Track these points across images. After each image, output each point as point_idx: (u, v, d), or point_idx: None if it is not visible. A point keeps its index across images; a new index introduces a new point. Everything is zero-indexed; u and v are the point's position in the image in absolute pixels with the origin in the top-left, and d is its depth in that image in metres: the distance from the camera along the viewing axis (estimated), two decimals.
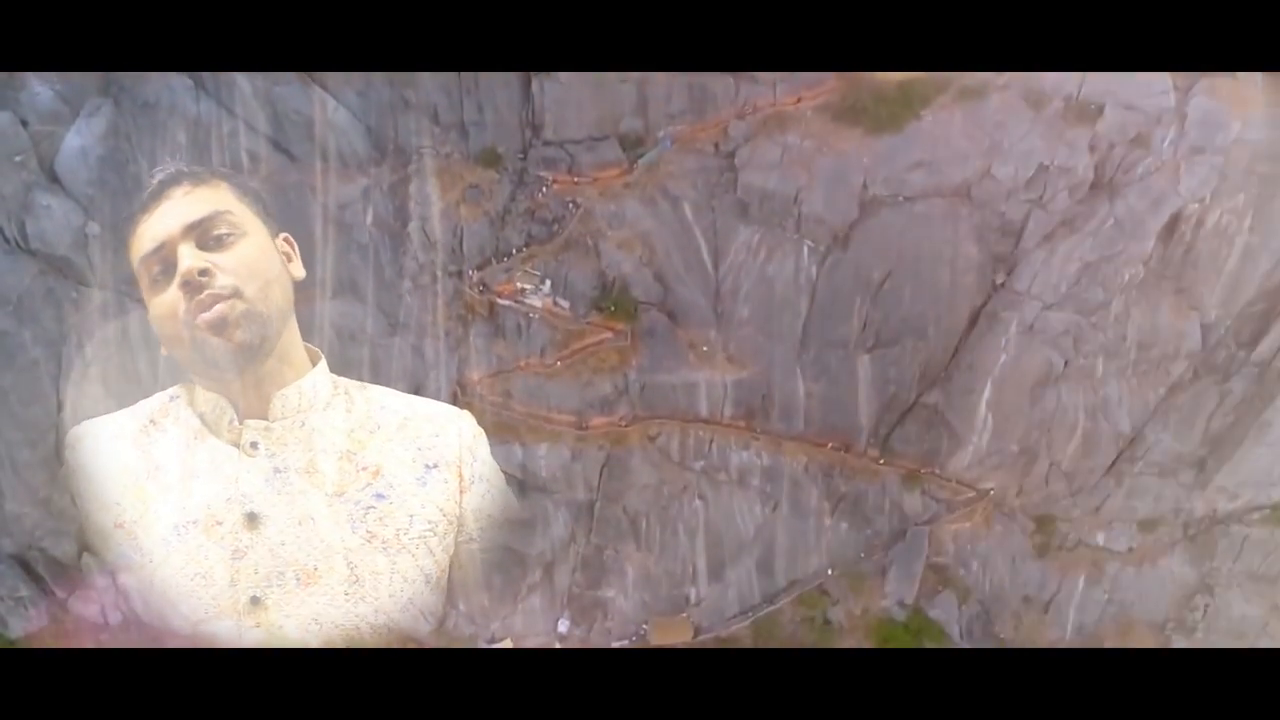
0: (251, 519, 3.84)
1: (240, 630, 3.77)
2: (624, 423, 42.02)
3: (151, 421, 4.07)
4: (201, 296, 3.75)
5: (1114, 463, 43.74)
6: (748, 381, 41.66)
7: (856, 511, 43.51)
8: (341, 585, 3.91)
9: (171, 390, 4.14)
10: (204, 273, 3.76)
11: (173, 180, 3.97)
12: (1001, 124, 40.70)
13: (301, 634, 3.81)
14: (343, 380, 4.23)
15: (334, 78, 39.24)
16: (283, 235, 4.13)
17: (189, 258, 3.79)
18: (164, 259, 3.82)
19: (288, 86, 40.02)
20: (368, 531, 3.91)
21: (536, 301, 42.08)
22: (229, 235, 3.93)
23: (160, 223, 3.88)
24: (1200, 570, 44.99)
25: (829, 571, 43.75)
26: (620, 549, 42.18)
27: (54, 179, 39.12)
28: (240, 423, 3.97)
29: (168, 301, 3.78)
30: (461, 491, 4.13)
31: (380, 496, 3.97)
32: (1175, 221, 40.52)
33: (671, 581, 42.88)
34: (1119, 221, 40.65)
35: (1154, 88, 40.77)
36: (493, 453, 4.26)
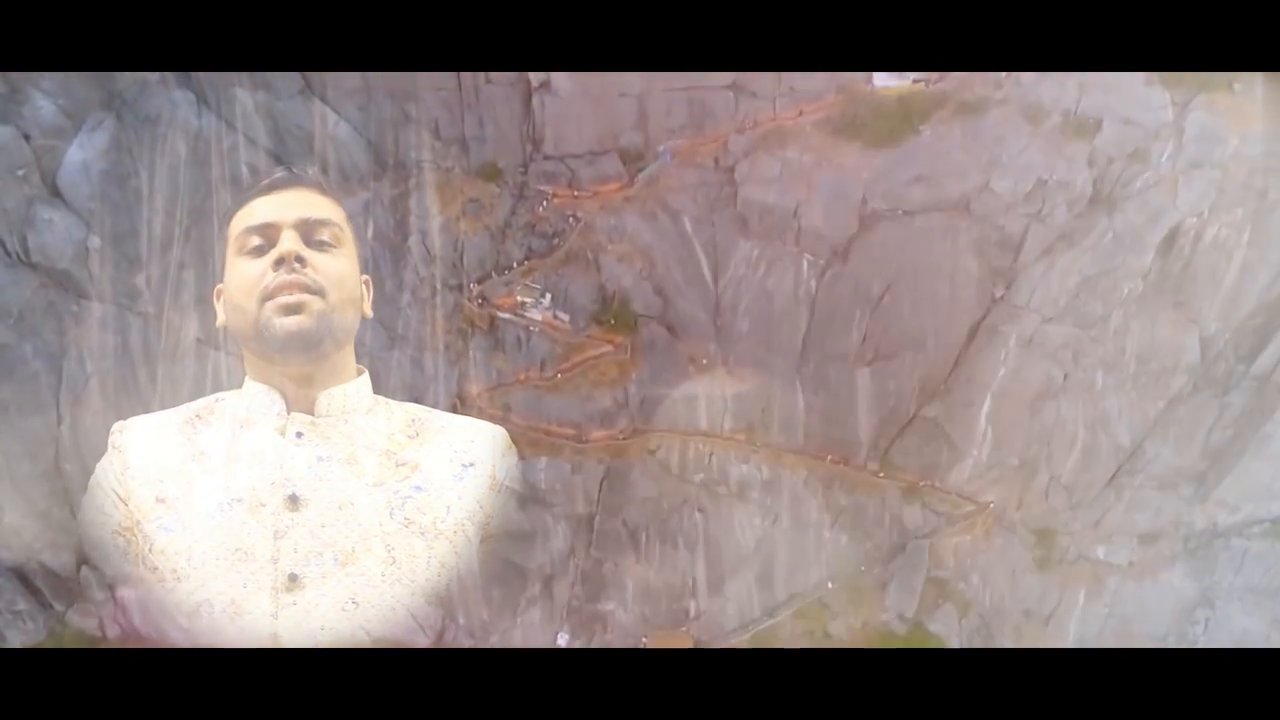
0: (293, 500, 3.96)
1: (277, 606, 3.85)
2: (623, 436, 42.02)
3: (197, 416, 4.23)
4: (290, 278, 3.91)
5: (1114, 476, 43.78)
6: (747, 394, 41.67)
7: (856, 525, 43.40)
8: (379, 567, 3.97)
9: (218, 394, 4.28)
10: (301, 260, 3.94)
11: (301, 180, 4.22)
12: (1000, 138, 40.87)
13: (337, 614, 3.91)
14: (383, 397, 4.40)
15: (335, 91, 39.47)
16: (365, 277, 4.32)
17: (291, 242, 3.99)
18: (267, 235, 4.03)
19: (289, 101, 40.25)
20: (405, 518, 4.06)
21: (536, 315, 42.15)
22: (331, 245, 4.14)
23: (277, 206, 4.12)
24: (1201, 584, 44.88)
25: (829, 585, 43.63)
26: (620, 562, 42.01)
27: (56, 193, 39.27)
28: (287, 414, 4.09)
29: (254, 271, 3.97)
30: (492, 489, 4.26)
31: (419, 488, 4.13)
32: (1174, 235, 40.64)
33: (671, 595, 42.69)
34: (1118, 235, 40.76)
35: (1152, 102, 41.00)
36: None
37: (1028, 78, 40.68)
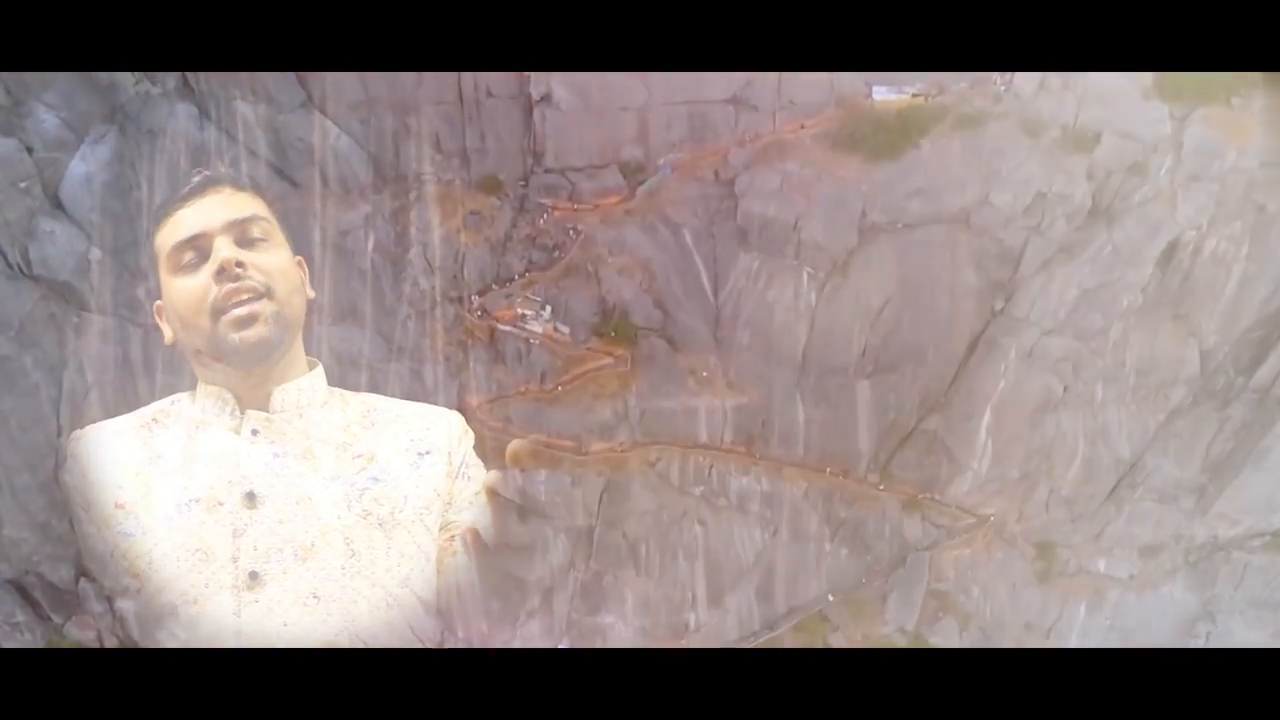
0: (251, 498, 3.98)
1: (240, 605, 3.87)
2: (623, 448, 41.81)
3: (154, 420, 4.26)
4: (235, 286, 3.94)
5: (1114, 489, 43.55)
6: (747, 407, 41.58)
7: (857, 537, 43.26)
8: (339, 560, 3.97)
9: (173, 396, 4.31)
10: (240, 265, 3.97)
11: (217, 181, 4.23)
12: (999, 152, 40.83)
13: (299, 609, 3.92)
14: (337, 388, 4.44)
15: (336, 104, 39.60)
16: (298, 258, 4.35)
17: (227, 249, 4.01)
18: (199, 247, 4.05)
19: (290, 114, 40.32)
20: (363, 510, 4.09)
21: (537, 327, 42.11)
22: (263, 240, 4.17)
23: (201, 214, 4.13)
24: (1202, 597, 44.77)
25: (829, 598, 43.42)
26: (619, 575, 41.81)
27: (58, 205, 39.40)
28: (241, 413, 4.12)
29: (195, 286, 4.00)
30: (450, 477, 4.28)
31: (375, 479, 4.17)
32: (1173, 249, 40.57)
33: (671, 607, 42.50)
34: (1117, 248, 40.76)
35: (1150, 116, 41.12)
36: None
37: (1026, 90, 40.79)
